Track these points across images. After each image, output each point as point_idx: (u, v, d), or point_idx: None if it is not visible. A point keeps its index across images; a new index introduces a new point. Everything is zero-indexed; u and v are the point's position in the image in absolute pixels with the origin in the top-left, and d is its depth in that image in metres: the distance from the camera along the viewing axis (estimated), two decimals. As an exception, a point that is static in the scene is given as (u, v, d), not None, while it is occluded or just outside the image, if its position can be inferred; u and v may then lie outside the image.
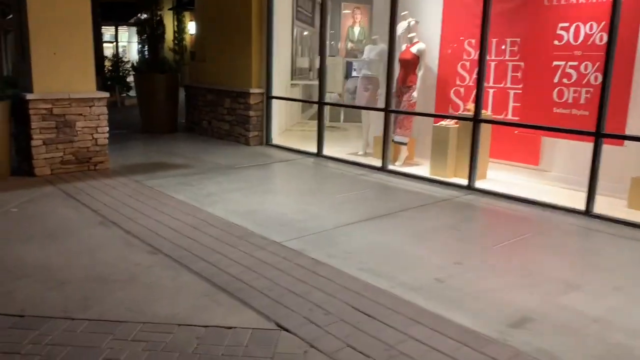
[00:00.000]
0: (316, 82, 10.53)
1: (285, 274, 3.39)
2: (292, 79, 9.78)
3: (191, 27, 19.79)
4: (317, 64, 10.42)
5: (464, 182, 5.83)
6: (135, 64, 9.38)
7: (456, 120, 6.19)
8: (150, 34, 9.22)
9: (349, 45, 11.77)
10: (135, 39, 25.67)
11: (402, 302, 3.03)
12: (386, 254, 3.85)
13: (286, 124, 9.71)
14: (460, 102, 6.76)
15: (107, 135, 6.28)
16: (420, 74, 6.68)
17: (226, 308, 2.94)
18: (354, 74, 10.51)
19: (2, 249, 3.76)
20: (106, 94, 6.29)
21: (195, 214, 4.64)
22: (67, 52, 5.91)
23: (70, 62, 5.95)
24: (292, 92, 9.80)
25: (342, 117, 10.89)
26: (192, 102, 9.28)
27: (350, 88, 8.95)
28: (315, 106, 10.61)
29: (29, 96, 5.69)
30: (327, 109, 8.14)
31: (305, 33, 11.36)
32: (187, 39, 20.29)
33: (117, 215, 4.56)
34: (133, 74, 9.08)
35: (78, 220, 4.44)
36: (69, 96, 5.93)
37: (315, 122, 10.07)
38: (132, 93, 12.47)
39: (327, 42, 7.50)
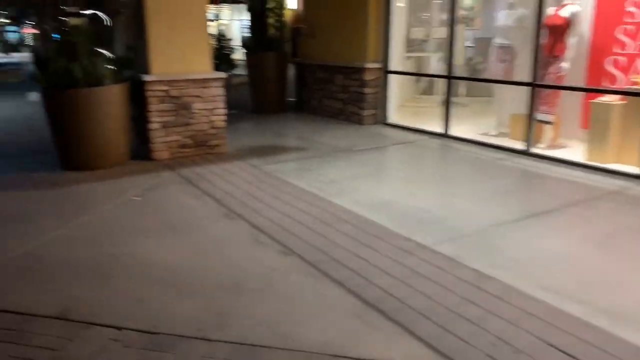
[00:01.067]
0: (431, 54, 9.72)
1: (445, 289, 2.80)
2: (406, 51, 9.03)
3: (291, 2, 19.45)
4: (434, 34, 9.58)
5: (632, 169, 4.87)
6: (245, 42, 9.08)
7: (621, 96, 5.19)
8: (260, 11, 8.85)
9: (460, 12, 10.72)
10: (235, 17, 25.94)
11: (614, 340, 2.34)
12: (566, 266, 3.14)
13: (400, 101, 9.02)
14: (620, 74, 5.70)
15: (224, 117, 5.98)
16: (572, 41, 5.70)
17: (385, 335, 2.41)
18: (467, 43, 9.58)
19: (130, 244, 3.51)
20: (222, 74, 5.97)
21: (322, 206, 4.17)
22: (183, 31, 5.64)
23: (186, 42, 5.67)
24: (404, 66, 9.05)
25: (464, 92, 9.95)
26: (302, 80, 8.85)
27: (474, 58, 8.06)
28: (425, 80, 9.83)
29: (146, 78, 5.49)
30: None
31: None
32: (287, 15, 19.96)
33: (240, 205, 4.21)
34: (245, 53, 8.79)
35: (201, 211, 4.14)
36: (186, 77, 5.68)
37: (429, 98, 9.32)
38: (236, 71, 12.31)
39: (457, 8, 6.66)
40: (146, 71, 5.59)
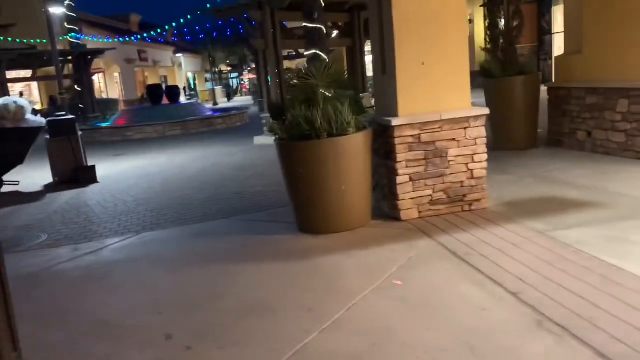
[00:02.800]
0: None
1: None
2: None
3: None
4: None
5: None
6: (484, 65, 7.73)
7: None
8: (506, 28, 7.47)
9: None
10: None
11: None
12: None
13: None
14: None
15: (485, 164, 4.71)
16: None
17: None
18: None
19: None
20: (485, 110, 4.73)
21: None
22: (438, 61, 4.57)
23: (440, 73, 4.58)
24: None
25: None
26: (559, 108, 7.15)
27: None
28: None
29: (393, 122, 4.52)
30: None
31: None
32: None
33: (555, 307, 2.83)
34: (483, 78, 7.48)
35: (496, 313, 2.87)
36: (440, 117, 4.56)
37: None
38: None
39: None
40: (391, 113, 4.63)
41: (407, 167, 4.59)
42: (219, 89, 42.22)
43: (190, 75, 48.97)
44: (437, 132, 4.60)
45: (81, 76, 23.69)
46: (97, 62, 27.31)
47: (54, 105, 21.22)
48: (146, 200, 6.89)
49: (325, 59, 11.08)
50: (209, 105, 27.10)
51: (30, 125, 8.16)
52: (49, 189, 8.49)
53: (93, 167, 8.73)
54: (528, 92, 7.15)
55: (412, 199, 4.65)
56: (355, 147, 4.49)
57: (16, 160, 8.25)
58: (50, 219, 6.43)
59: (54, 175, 8.82)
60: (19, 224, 6.31)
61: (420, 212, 4.67)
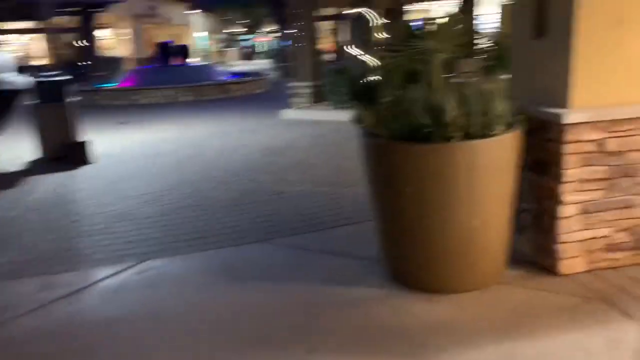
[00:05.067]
0: None
1: None
2: None
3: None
4: None
5: None
6: None
7: None
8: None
9: None
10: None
11: None
12: None
13: None
14: None
15: None
16: None
17: None
18: None
19: None
20: None
21: None
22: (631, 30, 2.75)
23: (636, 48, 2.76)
24: None
25: None
26: None
27: None
28: None
29: (565, 116, 2.71)
30: None
31: None
32: None
33: None
34: None
35: None
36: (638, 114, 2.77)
37: None
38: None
39: None
40: (556, 102, 2.83)
41: (578, 191, 2.81)
42: (234, 50, 40.01)
43: (202, 35, 46.61)
44: (632, 136, 2.80)
45: (86, 30, 21.74)
46: (107, 17, 25.27)
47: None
48: (154, 198, 5.16)
49: (372, 19, 9.10)
50: (224, 68, 25.15)
51: (5, 87, 6.38)
52: (33, 168, 6.77)
53: (83, 143, 6.94)
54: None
55: (579, 241, 2.88)
56: (501, 156, 2.71)
57: (-9, 130, 6.52)
58: (22, 219, 4.73)
59: (43, 151, 7.09)
60: (-20, 225, 4.61)
61: (589, 263, 2.92)
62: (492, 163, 2.66)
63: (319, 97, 10.70)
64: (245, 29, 48.48)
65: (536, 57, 3.02)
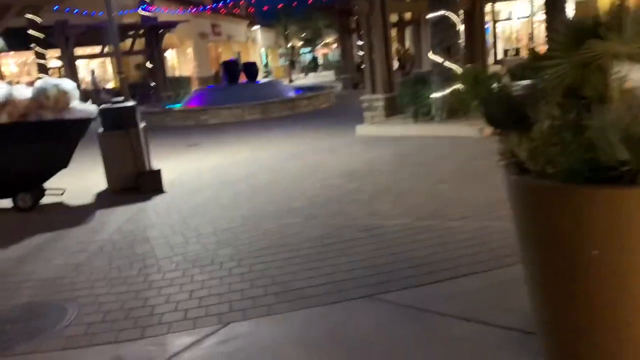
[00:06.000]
0: None
1: None
2: None
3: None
4: None
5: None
6: None
7: None
8: None
9: None
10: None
11: None
12: None
13: None
14: None
15: None
16: None
17: None
18: None
19: None
20: None
21: None
22: None
23: None
24: None
25: None
26: None
27: None
28: None
29: None
30: None
31: None
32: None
33: None
34: None
35: None
36: None
37: None
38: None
39: None
40: None
41: None
42: (295, 64, 39.90)
43: (263, 50, 46.98)
44: None
45: (152, 52, 22.08)
46: (170, 38, 25.68)
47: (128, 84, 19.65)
48: (231, 237, 4.57)
49: (454, 22, 8.21)
50: (287, 84, 24.87)
51: (77, 116, 6.06)
52: (101, 200, 6.42)
53: (158, 172, 6.56)
54: None
55: None
56: None
57: (59, 162, 6.21)
58: (90, 264, 4.26)
59: (111, 182, 6.76)
60: (45, 273, 4.17)
61: None
62: None
63: (393, 110, 9.96)
64: (305, 42, 48.46)
65: None
